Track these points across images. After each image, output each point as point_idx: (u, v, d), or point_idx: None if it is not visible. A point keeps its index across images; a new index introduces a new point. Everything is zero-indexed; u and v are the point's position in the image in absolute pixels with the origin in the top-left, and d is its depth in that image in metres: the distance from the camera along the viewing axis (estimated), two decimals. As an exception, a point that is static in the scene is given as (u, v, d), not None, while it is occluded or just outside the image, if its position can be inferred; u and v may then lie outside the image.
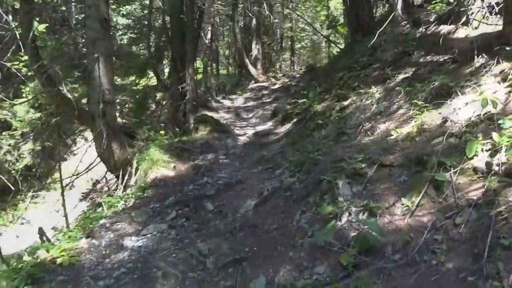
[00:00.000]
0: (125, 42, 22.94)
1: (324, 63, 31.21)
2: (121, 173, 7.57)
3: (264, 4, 17.41)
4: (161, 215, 5.07)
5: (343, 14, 26.00)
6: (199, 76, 22.77)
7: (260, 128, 9.71)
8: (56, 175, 11.00)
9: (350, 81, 8.09)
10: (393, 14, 11.52)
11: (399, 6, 11.40)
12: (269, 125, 9.85)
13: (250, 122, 10.91)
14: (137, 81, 13.24)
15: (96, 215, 5.42)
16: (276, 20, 21.34)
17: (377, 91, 6.64)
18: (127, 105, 21.44)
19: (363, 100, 6.73)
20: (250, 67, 17.26)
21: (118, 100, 21.99)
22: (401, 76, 6.63)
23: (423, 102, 4.95)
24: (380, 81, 7.21)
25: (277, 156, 6.73)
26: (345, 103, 7.33)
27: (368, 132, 5.45)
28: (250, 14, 17.33)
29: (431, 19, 8.65)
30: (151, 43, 13.47)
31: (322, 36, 24.24)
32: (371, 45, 9.25)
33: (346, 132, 5.90)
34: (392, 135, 4.96)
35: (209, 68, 19.89)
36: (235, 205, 5.14)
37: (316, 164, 5.03)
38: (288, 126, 8.83)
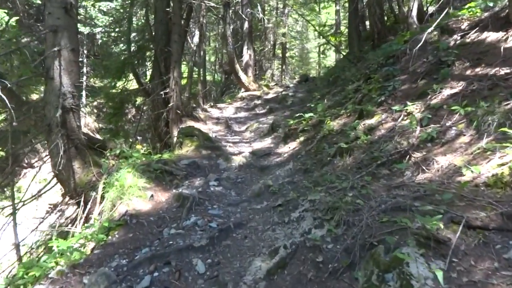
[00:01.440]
0: (105, 41, 21.16)
1: (319, 73, 30.17)
2: (82, 199, 5.95)
3: (258, 6, 15.99)
4: (129, 282, 3.45)
5: (335, 22, 24.98)
6: (184, 82, 21.20)
7: (257, 145, 8.17)
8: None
9: (372, 94, 6.67)
10: (408, 21, 10.30)
11: (414, 13, 10.18)
12: (267, 142, 8.33)
13: (244, 137, 9.37)
14: (113, 84, 11.54)
15: (35, 272, 3.76)
16: (270, 25, 19.97)
17: (416, 109, 5.21)
18: (104, 109, 19.68)
19: (398, 120, 5.29)
20: (241, 74, 15.77)
21: (95, 103, 20.19)
22: (447, 92, 5.23)
23: (508, 130, 3.52)
24: (415, 96, 5.81)
25: (286, 187, 5.21)
26: (371, 121, 5.89)
27: (422, 167, 3.99)
28: (243, 16, 15.87)
29: (463, 26, 7.38)
30: (131, 41, 11.84)
31: (324, 44, 22.97)
32: (390, 54, 7.91)
33: (386, 163, 4.42)
34: (464, 175, 3.50)
35: (195, 74, 18.33)
36: (237, 266, 3.59)
37: (356, 212, 3.54)
38: (293, 145, 7.32)
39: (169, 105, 10.54)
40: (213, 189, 5.84)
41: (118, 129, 12.06)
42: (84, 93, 18.60)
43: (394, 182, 3.92)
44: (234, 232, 4.24)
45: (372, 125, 5.63)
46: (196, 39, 21.17)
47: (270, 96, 14.83)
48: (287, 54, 26.60)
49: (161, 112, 10.89)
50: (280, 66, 24.47)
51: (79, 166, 6.02)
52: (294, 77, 26.48)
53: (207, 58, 30.85)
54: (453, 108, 4.52)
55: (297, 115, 8.18)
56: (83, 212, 5.90)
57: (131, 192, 5.29)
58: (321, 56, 32.66)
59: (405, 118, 5.28)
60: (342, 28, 25.11)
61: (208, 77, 27.94)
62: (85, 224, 5.33)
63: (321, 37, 31.66)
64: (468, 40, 6.54)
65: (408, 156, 4.30)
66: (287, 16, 22.60)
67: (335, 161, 5.25)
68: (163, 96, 10.70)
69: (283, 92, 14.47)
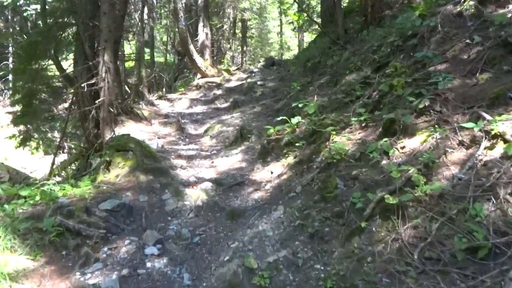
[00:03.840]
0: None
1: (281, 55, 27.69)
2: None
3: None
4: None
5: None
6: (132, 65, 17.89)
7: (222, 164, 5.64)
8: None
9: (400, 93, 4.34)
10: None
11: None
12: (236, 158, 5.82)
13: (203, 146, 6.78)
14: (21, 67, 8.43)
15: None
16: (229, -3, 17.09)
17: (510, 127, 2.94)
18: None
19: (479, 148, 2.98)
20: (196, 56, 12.99)
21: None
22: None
23: None
24: (483, 100, 3.54)
25: (284, 279, 2.80)
26: (413, 143, 3.56)
27: None
28: (197, -14, 12.98)
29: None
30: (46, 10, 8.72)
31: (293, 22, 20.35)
32: (409, 33, 5.62)
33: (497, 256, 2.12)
34: None
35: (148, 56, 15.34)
36: None
37: None
38: (277, 168, 4.88)
39: (98, 100, 7.71)
40: (151, 267, 3.31)
41: (28, 135, 9.03)
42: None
43: None
44: None
45: (421, 152, 3.28)
46: (145, 15, 18.00)
47: (232, 84, 12.21)
48: (247, 34, 23.86)
49: (88, 109, 8.03)
50: (240, 48, 21.74)
51: None
52: (256, 60, 23.88)
53: (158, 37, 27.40)
54: None
55: (278, 118, 5.72)
56: None
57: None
58: (283, 36, 30.24)
59: (490, 143, 2.99)
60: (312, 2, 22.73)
61: (160, 59, 24.65)
62: None
63: (283, 14, 29.23)
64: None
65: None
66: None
67: (373, 228, 2.87)
68: (92, 87, 7.84)
69: (248, 80, 11.90)
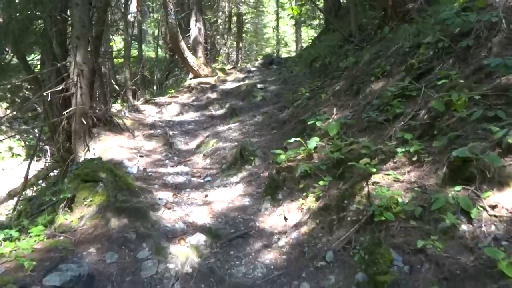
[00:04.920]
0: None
1: (277, 52, 26.35)
2: None
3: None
4: None
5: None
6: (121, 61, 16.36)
7: (219, 200, 4.37)
8: None
9: (473, 118, 3.12)
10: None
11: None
12: (237, 189, 4.57)
13: (194, 168, 5.52)
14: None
15: None
16: (225, -11, 15.70)
17: None
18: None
19: None
20: (188, 54, 11.68)
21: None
22: None
23: None
24: None
25: None
26: (507, 200, 2.37)
27: None
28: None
29: None
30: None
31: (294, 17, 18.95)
32: (458, 30, 4.42)
33: None
34: None
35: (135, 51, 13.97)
36: None
37: None
38: (293, 215, 3.64)
39: (69, 109, 6.42)
40: None
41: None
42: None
43: None
44: None
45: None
46: (133, 8, 16.61)
47: (228, 85, 10.94)
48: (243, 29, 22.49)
49: (61, 118, 6.73)
50: (235, 44, 20.37)
51: None
52: (251, 56, 22.56)
53: (149, 31, 25.87)
54: None
55: (290, 140, 4.48)
56: None
57: None
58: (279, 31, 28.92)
59: None
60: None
61: (151, 54, 23.16)
62: None
63: (280, 8, 27.87)
64: None
65: None
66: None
67: None
68: (61, 94, 6.55)
69: (246, 81, 10.64)
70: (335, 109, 5.06)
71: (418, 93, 4.02)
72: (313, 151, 4.24)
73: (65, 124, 6.75)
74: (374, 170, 3.24)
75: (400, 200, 2.80)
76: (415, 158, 3.24)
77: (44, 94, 6.33)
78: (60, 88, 6.31)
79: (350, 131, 4.34)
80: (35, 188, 11.04)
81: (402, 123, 3.78)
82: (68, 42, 7.09)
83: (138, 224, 3.79)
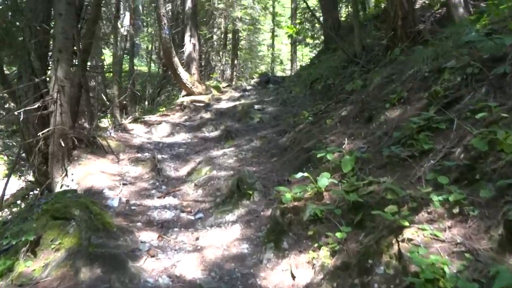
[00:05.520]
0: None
1: (272, 70, 25.98)
2: None
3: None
4: None
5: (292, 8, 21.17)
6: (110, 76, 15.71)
7: (212, 246, 3.68)
8: None
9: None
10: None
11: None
12: (232, 232, 3.91)
13: (184, 203, 4.85)
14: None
15: None
16: (221, 5, 15.26)
17: None
18: None
19: None
20: (181, 71, 11.12)
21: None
22: None
23: None
24: None
25: None
26: None
27: None
28: (185, -11, 11.17)
29: None
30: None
31: (292, 35, 18.56)
32: (494, 53, 3.89)
33: None
34: None
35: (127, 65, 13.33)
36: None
37: None
38: (302, 271, 3.00)
39: (46, 130, 5.76)
40: None
41: None
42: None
43: None
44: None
45: None
46: (127, 21, 16.11)
47: (223, 104, 10.37)
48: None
49: (37, 139, 6.04)
50: (230, 61, 19.90)
51: None
52: (246, 74, 22.08)
53: (143, 45, 25.36)
54: None
55: (297, 175, 3.88)
56: None
57: None
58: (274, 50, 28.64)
59: None
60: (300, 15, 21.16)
61: (143, 67, 22.57)
62: None
63: (276, 26, 27.63)
64: None
65: None
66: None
67: None
68: (38, 111, 5.89)
69: (242, 100, 10.08)
70: (346, 139, 4.47)
71: (448, 125, 3.46)
72: (323, 190, 3.63)
73: (41, 145, 6.07)
74: (407, 223, 2.63)
75: (447, 271, 2.19)
76: (456, 210, 2.64)
77: (17, 112, 5.66)
78: (36, 105, 5.66)
79: (366, 167, 3.75)
80: (13, 209, 10.24)
81: (433, 162, 3.20)
82: (49, 56, 6.48)
83: (114, 277, 3.12)
